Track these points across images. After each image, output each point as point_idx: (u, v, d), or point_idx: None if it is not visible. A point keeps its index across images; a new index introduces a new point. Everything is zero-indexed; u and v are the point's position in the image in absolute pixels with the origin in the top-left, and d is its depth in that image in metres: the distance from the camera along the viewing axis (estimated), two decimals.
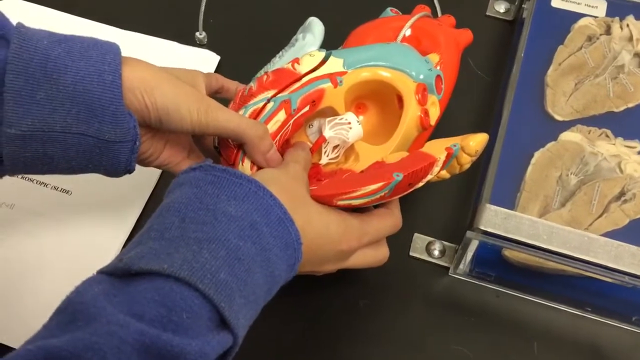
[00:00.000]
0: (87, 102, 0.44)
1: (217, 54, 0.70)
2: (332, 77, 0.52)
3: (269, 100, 0.50)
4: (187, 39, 0.71)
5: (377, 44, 0.56)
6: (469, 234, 0.53)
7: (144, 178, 0.62)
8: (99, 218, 0.60)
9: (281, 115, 0.50)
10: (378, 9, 0.63)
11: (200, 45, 0.71)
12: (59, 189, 0.62)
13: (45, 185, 0.62)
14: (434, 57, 0.57)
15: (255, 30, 0.71)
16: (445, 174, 0.52)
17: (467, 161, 0.51)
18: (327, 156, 0.54)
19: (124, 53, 0.74)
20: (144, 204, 0.61)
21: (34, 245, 0.59)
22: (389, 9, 0.62)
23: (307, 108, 0.51)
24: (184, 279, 0.36)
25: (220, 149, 0.51)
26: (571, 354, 0.56)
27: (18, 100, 0.43)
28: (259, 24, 0.71)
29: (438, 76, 0.55)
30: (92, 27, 0.72)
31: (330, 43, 0.63)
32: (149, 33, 0.71)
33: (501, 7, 0.73)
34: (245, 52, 0.69)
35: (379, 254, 0.52)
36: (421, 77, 0.54)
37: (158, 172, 0.62)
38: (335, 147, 0.53)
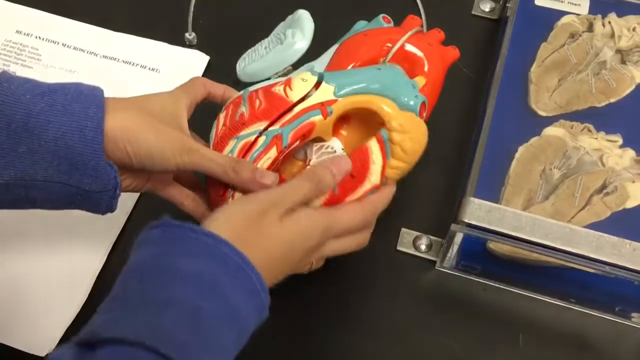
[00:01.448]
0: (68, 156, 0.45)
1: (207, 54, 0.71)
2: (323, 108, 0.52)
3: (261, 134, 0.50)
4: (177, 40, 0.72)
5: (369, 68, 0.56)
6: (453, 226, 0.54)
7: (123, 197, 0.62)
8: (90, 216, 0.61)
9: (272, 153, 0.50)
10: (366, 4, 0.63)
11: (190, 46, 0.72)
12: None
13: None
14: (421, 81, 0.57)
15: (245, 31, 0.72)
16: (398, 163, 0.52)
17: (402, 140, 0.52)
18: None
19: (114, 54, 0.75)
20: (135, 200, 0.62)
21: (25, 246, 0.59)
22: (380, 16, 0.62)
23: (297, 143, 0.51)
24: (143, 343, 0.36)
25: (207, 183, 0.52)
26: (556, 344, 0.56)
27: (0, 153, 0.44)
28: (249, 25, 0.72)
29: (423, 102, 0.55)
30: (83, 28, 0.72)
31: (319, 40, 0.63)
32: (138, 34, 0.72)
33: (486, 6, 0.74)
34: (235, 52, 0.70)
35: (357, 239, 0.52)
36: (411, 103, 0.54)
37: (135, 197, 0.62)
38: None
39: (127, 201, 0.62)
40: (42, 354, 0.54)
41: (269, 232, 0.45)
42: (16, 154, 0.45)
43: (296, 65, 0.64)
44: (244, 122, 0.51)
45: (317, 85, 0.52)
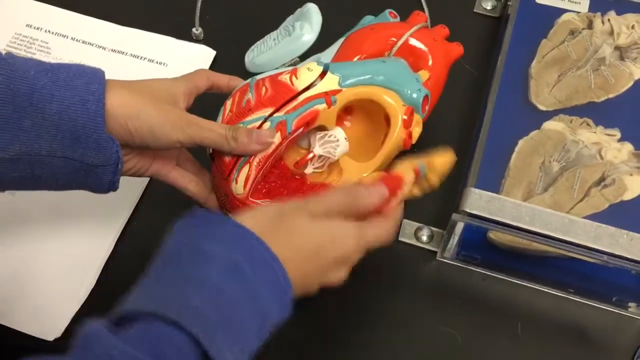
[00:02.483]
0: (71, 129, 0.46)
1: (214, 49, 0.72)
2: (327, 97, 0.53)
3: (265, 120, 0.52)
4: (184, 35, 0.73)
5: (374, 61, 0.57)
6: (454, 216, 0.55)
7: (133, 182, 0.63)
8: (99, 204, 0.61)
9: (277, 138, 0.52)
10: (373, 1, 0.64)
11: (196, 40, 0.73)
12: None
13: None
14: (424, 75, 0.58)
15: (251, 26, 0.74)
16: (417, 191, 0.53)
17: (435, 181, 0.53)
18: (313, 166, 0.56)
19: (122, 48, 0.76)
20: (143, 187, 0.63)
21: (34, 231, 0.60)
22: (387, 11, 0.63)
23: (301, 130, 0.53)
24: (165, 316, 0.37)
25: (215, 158, 0.53)
26: (555, 334, 0.58)
27: (5, 127, 0.45)
28: (255, 20, 0.74)
29: (426, 96, 0.57)
30: (92, 23, 0.74)
31: (327, 33, 0.64)
32: (146, 29, 0.73)
33: (488, 4, 0.75)
34: (241, 47, 0.71)
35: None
36: (414, 96, 0.56)
37: (142, 186, 0.63)
38: (321, 157, 0.56)
39: (135, 187, 0.63)
40: (51, 339, 0.55)
41: (299, 231, 0.45)
42: (21, 128, 0.46)
43: (303, 57, 0.65)
44: (250, 109, 0.52)
45: (323, 75, 0.54)
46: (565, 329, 0.58)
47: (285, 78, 0.53)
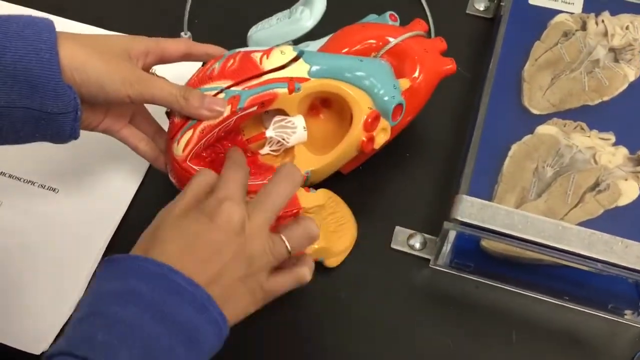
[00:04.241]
0: (28, 79, 0.46)
1: None
2: (291, 83, 0.53)
3: (221, 91, 0.52)
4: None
5: (351, 57, 0.57)
6: (446, 224, 0.54)
7: (130, 175, 0.63)
8: (86, 215, 0.61)
9: (226, 111, 0.52)
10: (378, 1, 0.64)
11: None
12: (46, 187, 0.63)
13: (33, 183, 0.63)
14: (405, 83, 0.58)
15: (240, 31, 0.72)
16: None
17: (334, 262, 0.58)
18: (270, 147, 0.57)
19: None
20: (129, 201, 0.62)
21: (22, 244, 0.60)
22: (388, 13, 0.63)
23: (254, 108, 0.53)
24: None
25: (169, 118, 0.54)
26: (549, 342, 0.57)
27: None
28: (244, 24, 0.72)
29: (399, 105, 0.56)
30: (79, 28, 0.72)
31: (329, 25, 0.64)
32: (133, 33, 0.71)
33: (481, 5, 0.74)
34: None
35: (297, 273, 0.49)
36: (385, 99, 0.55)
37: (144, 169, 0.64)
38: (279, 142, 0.56)
39: (123, 197, 0.62)
40: (37, 353, 0.55)
41: (193, 233, 0.44)
42: None
43: (298, 42, 0.65)
44: (211, 77, 0.52)
45: (295, 60, 0.53)
46: (560, 336, 0.57)
47: (256, 56, 0.53)
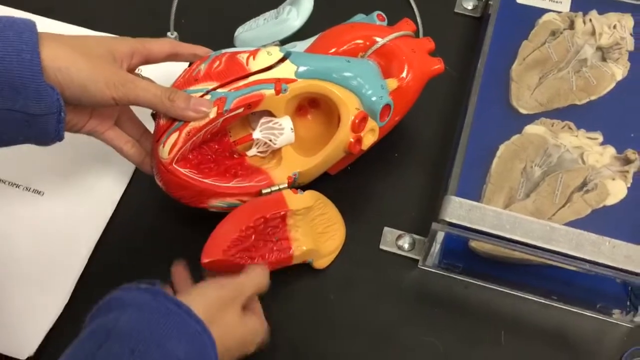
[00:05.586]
0: (9, 81, 0.46)
1: None
2: (278, 84, 0.53)
3: (207, 92, 0.51)
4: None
5: (338, 58, 0.56)
6: (434, 225, 0.54)
7: (116, 178, 0.63)
8: (72, 219, 0.61)
9: (213, 113, 0.51)
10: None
11: None
12: (31, 189, 0.62)
13: (17, 186, 0.62)
14: (392, 83, 0.58)
15: (227, 30, 0.72)
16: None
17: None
18: (257, 149, 0.56)
19: None
20: (116, 203, 0.62)
21: (7, 247, 0.59)
22: (375, 13, 0.62)
23: (240, 110, 0.52)
24: None
25: (155, 120, 0.53)
26: (538, 341, 0.57)
27: None
28: (231, 24, 0.72)
29: (387, 105, 0.56)
30: (65, 29, 0.72)
31: (317, 25, 0.63)
32: (120, 33, 0.71)
33: (469, 4, 0.74)
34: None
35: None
36: (372, 99, 0.55)
37: (130, 172, 0.63)
38: (266, 143, 0.56)
39: (117, 185, 0.62)
40: (23, 358, 0.54)
41: (232, 330, 0.48)
42: None
43: (285, 42, 0.64)
44: (197, 79, 0.52)
45: (282, 61, 0.53)
46: (549, 336, 0.57)
47: (243, 57, 0.53)
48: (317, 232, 0.58)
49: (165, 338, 0.42)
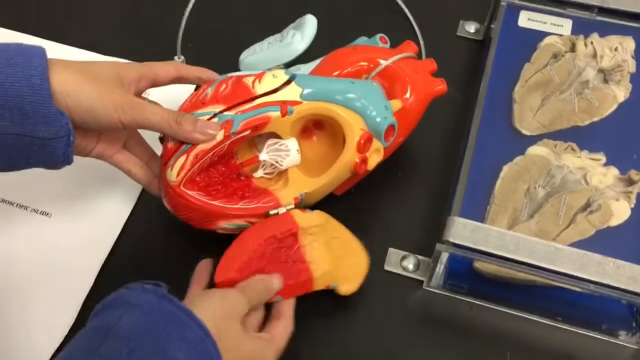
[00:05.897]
0: (18, 106, 0.47)
1: None
2: (284, 106, 0.53)
3: (214, 115, 0.52)
4: None
5: (343, 80, 0.57)
6: (438, 246, 0.54)
7: (123, 200, 0.63)
8: (78, 240, 0.61)
9: (220, 135, 0.52)
10: (366, 23, 0.64)
11: None
12: (39, 211, 0.63)
13: (25, 208, 0.63)
14: (396, 104, 0.58)
15: (233, 54, 0.73)
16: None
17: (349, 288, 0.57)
18: (264, 171, 0.57)
19: None
20: (122, 225, 0.62)
21: (14, 268, 0.60)
22: (378, 36, 0.63)
23: (247, 132, 0.53)
24: None
25: (162, 143, 0.54)
26: None
27: None
28: (237, 49, 0.73)
29: (392, 125, 0.57)
30: (73, 53, 0.73)
31: (321, 47, 0.64)
32: (128, 58, 0.73)
33: (471, 28, 0.75)
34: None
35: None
36: (377, 120, 0.56)
37: (136, 193, 0.64)
38: (273, 165, 0.56)
39: (123, 207, 0.63)
40: None
41: (240, 347, 0.48)
42: None
43: (289, 65, 0.65)
44: (204, 102, 0.53)
45: (287, 84, 0.54)
46: (555, 357, 0.57)
47: (248, 80, 0.54)
48: (336, 256, 0.57)
49: (165, 340, 0.42)
